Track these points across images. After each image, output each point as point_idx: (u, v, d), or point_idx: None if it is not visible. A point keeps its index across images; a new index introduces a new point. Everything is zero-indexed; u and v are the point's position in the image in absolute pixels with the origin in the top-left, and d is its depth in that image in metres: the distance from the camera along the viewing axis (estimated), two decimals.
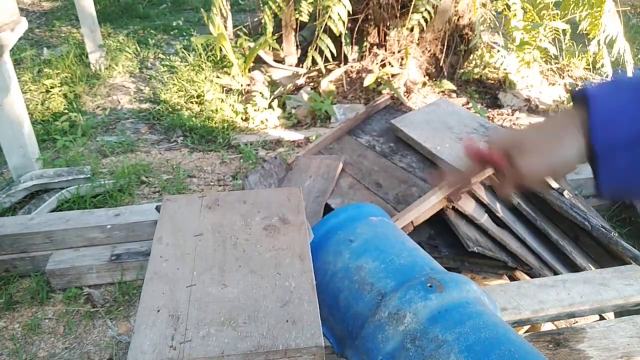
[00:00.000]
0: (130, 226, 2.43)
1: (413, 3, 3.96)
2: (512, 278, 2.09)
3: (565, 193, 2.09)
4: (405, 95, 4.23)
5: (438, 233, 2.11)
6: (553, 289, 1.54)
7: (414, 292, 1.26)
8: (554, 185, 2.10)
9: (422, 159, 2.17)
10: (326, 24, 3.92)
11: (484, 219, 2.04)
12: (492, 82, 4.59)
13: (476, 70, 4.61)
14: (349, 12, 3.86)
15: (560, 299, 1.49)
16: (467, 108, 4.09)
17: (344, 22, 4.04)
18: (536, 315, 1.46)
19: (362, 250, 1.41)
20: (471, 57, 4.67)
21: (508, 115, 4.08)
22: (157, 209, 2.35)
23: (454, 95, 4.33)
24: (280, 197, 1.11)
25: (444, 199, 1.98)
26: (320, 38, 4.07)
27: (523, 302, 1.49)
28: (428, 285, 1.27)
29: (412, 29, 4.13)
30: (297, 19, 4.46)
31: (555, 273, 2.04)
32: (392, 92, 4.21)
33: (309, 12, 4.32)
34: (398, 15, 4.19)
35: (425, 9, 3.94)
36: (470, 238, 1.93)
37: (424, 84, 4.36)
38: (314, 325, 0.84)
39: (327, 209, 2.13)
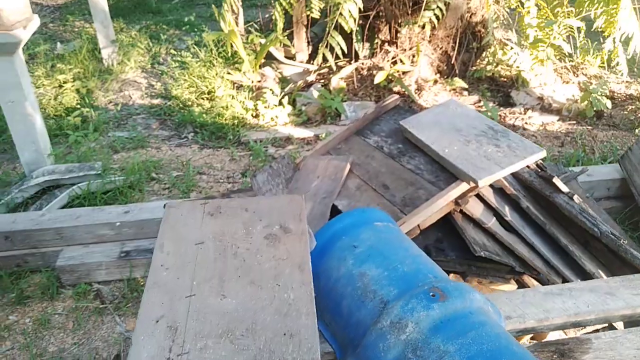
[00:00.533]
0: (140, 223, 2.45)
1: (425, 0, 3.92)
2: (520, 282, 2.07)
3: (575, 198, 2.06)
4: (416, 93, 4.20)
5: (445, 235, 2.09)
6: (559, 297, 1.52)
7: (417, 301, 1.25)
8: (564, 189, 2.08)
9: (430, 161, 2.15)
10: (337, 21, 3.90)
11: (491, 223, 2.02)
12: (505, 79, 4.54)
13: (488, 67, 4.56)
14: (360, 8, 3.84)
15: (566, 308, 1.48)
16: (479, 107, 4.05)
17: (355, 19, 4.01)
18: (541, 324, 1.45)
19: (366, 256, 1.41)
20: (483, 55, 4.62)
21: (520, 114, 4.03)
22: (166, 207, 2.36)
23: (465, 93, 4.29)
24: (282, 204, 1.11)
25: (451, 202, 1.97)
26: (331, 35, 4.05)
27: (528, 311, 1.48)
28: (431, 294, 1.27)
29: (423, 26, 4.09)
30: (308, 16, 4.44)
31: (564, 278, 2.02)
32: (403, 90, 4.18)
33: (320, 8, 4.30)
34: (410, 12, 4.16)
35: (437, 6, 3.90)
36: (477, 242, 1.92)
37: (435, 81, 4.32)
38: (311, 339, 0.84)
39: (334, 210, 2.13)
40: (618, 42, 4.19)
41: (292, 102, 4.14)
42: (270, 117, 3.95)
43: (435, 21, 4.05)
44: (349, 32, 4.06)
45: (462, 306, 1.26)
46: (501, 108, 4.13)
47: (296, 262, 0.96)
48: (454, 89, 4.29)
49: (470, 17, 4.27)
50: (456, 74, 4.39)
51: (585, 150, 3.48)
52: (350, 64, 4.42)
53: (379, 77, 4.13)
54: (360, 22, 4.28)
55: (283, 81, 4.49)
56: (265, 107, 3.99)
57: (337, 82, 4.25)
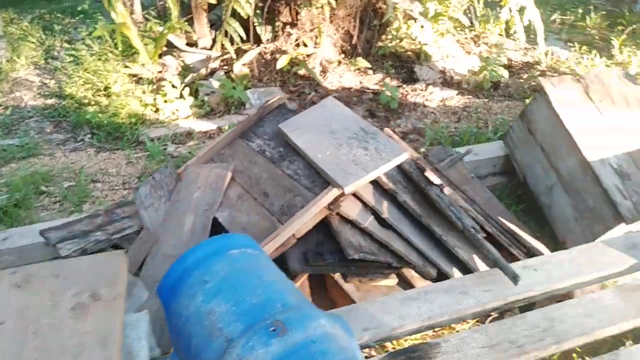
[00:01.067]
0: (20, 250, 2.34)
1: None
2: (400, 275, 2.15)
3: (446, 190, 2.14)
4: (321, 75, 4.18)
5: (326, 237, 2.12)
6: (415, 302, 1.59)
7: (257, 337, 1.27)
8: (436, 181, 2.15)
9: (307, 165, 2.16)
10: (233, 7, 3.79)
11: (368, 222, 2.06)
12: (409, 54, 4.59)
13: (393, 43, 4.58)
14: None
15: (421, 313, 1.55)
16: (381, 86, 4.09)
17: (250, 4, 3.90)
18: (396, 331, 1.52)
19: (216, 291, 1.41)
20: (387, 30, 4.63)
21: (422, 90, 4.10)
22: (42, 234, 2.26)
23: (370, 72, 4.30)
24: (96, 266, 1.08)
25: (324, 208, 1.99)
26: (227, 22, 3.94)
27: (385, 319, 1.54)
28: (271, 329, 1.28)
29: (322, 7, 4.04)
30: None
31: (439, 269, 2.11)
32: (308, 73, 4.15)
33: None
34: None
35: None
36: (352, 244, 1.96)
37: (339, 62, 4.31)
38: None
39: (215, 222, 2.11)
40: (514, 11, 4.30)
41: (195, 93, 4.02)
42: (171, 111, 3.82)
43: (333, 1, 4.00)
44: (246, 17, 3.96)
45: (304, 337, 1.28)
46: (404, 85, 4.18)
47: (101, 335, 0.94)
48: (358, 69, 4.29)
49: None
50: (360, 54, 4.39)
51: (479, 125, 3.60)
52: (253, 48, 4.32)
53: (282, 62, 4.06)
54: (260, 4, 4.17)
55: (186, 70, 4.34)
56: (164, 102, 3.85)
57: (239, 68, 4.16)
